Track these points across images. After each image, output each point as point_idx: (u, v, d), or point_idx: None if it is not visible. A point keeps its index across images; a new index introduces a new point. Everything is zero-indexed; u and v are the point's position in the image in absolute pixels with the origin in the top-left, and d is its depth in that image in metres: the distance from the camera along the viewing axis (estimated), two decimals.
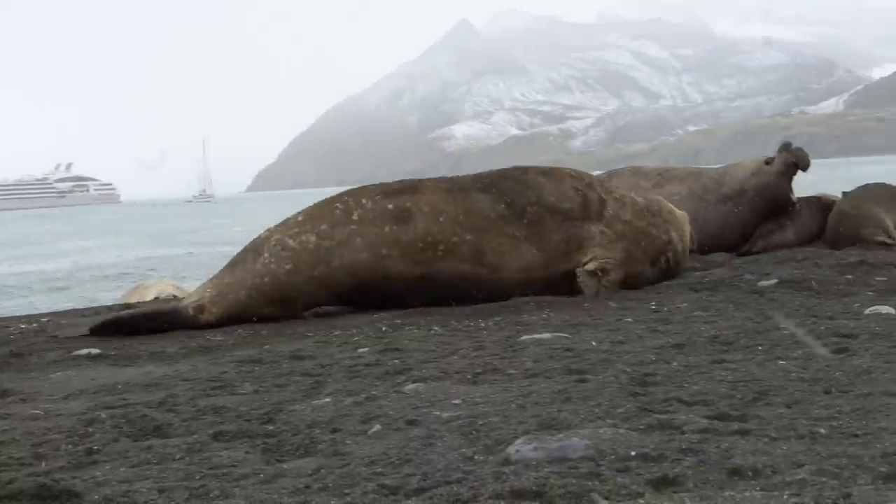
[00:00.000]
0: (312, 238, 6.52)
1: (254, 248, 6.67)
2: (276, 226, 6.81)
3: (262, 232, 6.82)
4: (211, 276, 6.85)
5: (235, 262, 6.71)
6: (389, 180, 7.20)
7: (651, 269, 7.12)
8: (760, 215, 9.60)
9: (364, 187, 6.92)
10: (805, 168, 9.49)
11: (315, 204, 6.87)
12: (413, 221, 6.54)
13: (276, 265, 6.47)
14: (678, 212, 7.72)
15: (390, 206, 6.59)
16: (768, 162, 9.60)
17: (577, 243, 6.80)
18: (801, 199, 10.47)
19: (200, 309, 6.42)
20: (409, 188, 6.79)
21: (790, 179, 9.50)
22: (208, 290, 6.55)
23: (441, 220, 6.56)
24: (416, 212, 6.58)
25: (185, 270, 30.40)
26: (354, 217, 6.56)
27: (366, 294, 6.57)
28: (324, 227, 6.56)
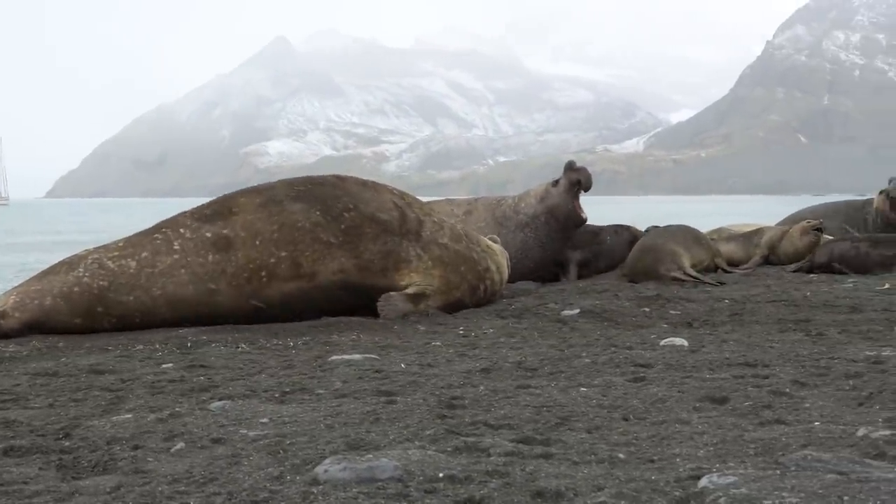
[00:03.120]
0: (133, 263, 6.30)
1: (69, 262, 6.42)
2: (96, 247, 6.60)
3: (80, 251, 6.58)
4: (17, 285, 6.55)
5: (46, 272, 6.45)
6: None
7: (471, 297, 7.18)
8: (556, 236, 9.88)
9: (179, 214, 6.71)
10: (587, 186, 9.77)
11: (135, 234, 6.67)
12: (233, 249, 6.39)
13: (89, 279, 6.23)
14: (496, 246, 7.88)
15: (209, 235, 6.43)
16: (554, 184, 9.89)
17: (394, 261, 6.77)
18: (611, 228, 10.96)
19: (2, 315, 6.10)
20: (224, 210, 6.62)
21: (575, 197, 9.77)
22: (12, 297, 6.24)
23: (258, 242, 6.43)
24: (235, 238, 6.43)
25: None
26: (176, 247, 6.37)
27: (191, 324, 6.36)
28: (145, 254, 6.34)
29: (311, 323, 6.32)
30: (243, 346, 5.50)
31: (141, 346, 5.55)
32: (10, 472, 2.81)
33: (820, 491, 2.32)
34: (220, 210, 6.63)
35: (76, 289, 6.20)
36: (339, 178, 7.13)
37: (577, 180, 9.70)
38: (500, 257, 7.77)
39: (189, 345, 5.58)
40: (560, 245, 10.00)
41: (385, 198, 7.01)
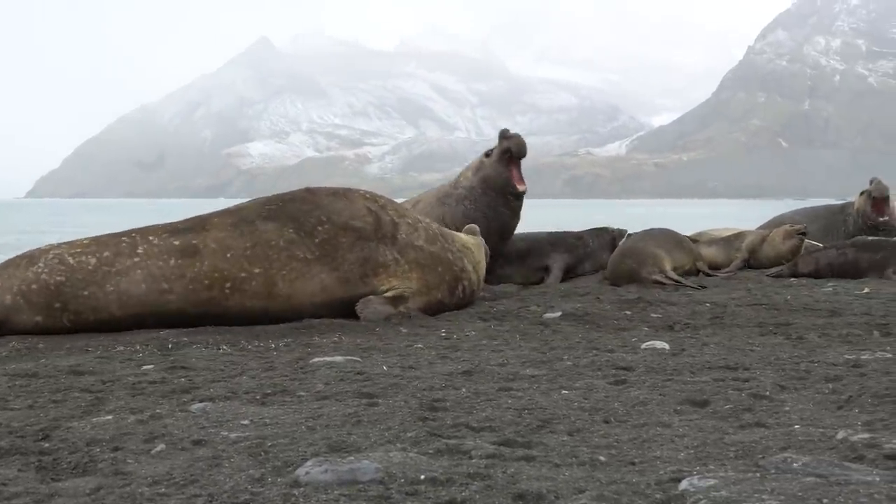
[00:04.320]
0: (93, 260, 6.34)
1: (29, 256, 6.45)
2: (60, 243, 6.63)
3: (44, 245, 6.59)
4: None
5: (6, 265, 6.45)
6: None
7: (450, 297, 7.18)
8: (499, 207, 9.61)
9: (153, 226, 6.75)
10: (518, 153, 9.53)
11: (103, 234, 6.70)
12: (199, 257, 6.41)
13: (47, 276, 6.25)
14: (472, 241, 7.86)
15: (176, 243, 6.46)
16: (487, 154, 9.77)
17: (373, 267, 6.77)
18: (592, 231, 11.03)
19: None
20: (196, 226, 6.65)
21: (508, 165, 9.53)
22: None
23: (228, 255, 6.44)
24: (203, 248, 6.45)
25: None
26: (139, 251, 6.40)
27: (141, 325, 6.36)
28: (107, 254, 6.38)
29: (293, 325, 6.30)
30: (224, 347, 5.49)
31: (121, 348, 5.53)
32: None
33: (799, 493, 2.34)
34: (192, 226, 6.66)
35: (34, 286, 6.23)
36: (310, 192, 7.12)
37: (507, 148, 9.51)
38: (476, 254, 7.75)
39: (170, 346, 5.56)
40: (506, 218, 9.71)
41: (358, 205, 7.00)
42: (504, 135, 9.73)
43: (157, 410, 3.64)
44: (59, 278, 6.24)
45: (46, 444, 3.16)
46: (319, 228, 6.69)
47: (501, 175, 9.55)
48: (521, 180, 9.61)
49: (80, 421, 3.49)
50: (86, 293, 6.24)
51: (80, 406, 3.81)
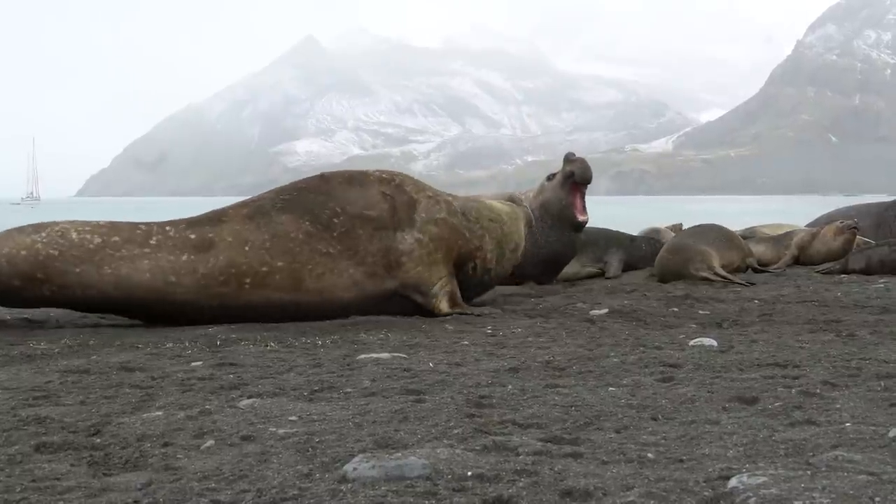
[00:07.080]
0: (97, 240, 6.30)
1: (37, 225, 6.46)
2: (75, 220, 6.56)
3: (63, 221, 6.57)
4: None
5: (15, 229, 6.45)
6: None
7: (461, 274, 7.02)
8: (552, 235, 9.24)
9: (173, 220, 6.69)
10: (582, 179, 9.07)
11: (123, 221, 6.68)
12: (215, 251, 6.35)
13: (42, 246, 6.23)
14: (507, 210, 7.62)
15: (192, 237, 6.40)
16: (550, 178, 9.32)
17: (396, 257, 6.68)
18: (644, 238, 11.02)
19: None
20: (213, 219, 6.61)
21: (571, 190, 9.09)
22: None
23: (247, 248, 6.39)
24: (219, 241, 6.39)
25: None
26: (152, 241, 6.35)
27: (146, 312, 6.41)
28: (116, 238, 6.34)
29: (340, 322, 6.34)
30: (272, 344, 5.53)
31: (171, 344, 5.58)
32: (42, 468, 2.84)
33: (851, 492, 2.30)
34: (211, 217, 6.64)
35: (23, 252, 6.21)
36: (324, 179, 7.01)
37: (570, 172, 9.04)
38: (508, 225, 7.48)
39: (218, 343, 5.61)
40: (558, 246, 9.34)
41: (372, 191, 6.86)
42: (568, 158, 9.27)
43: (206, 406, 3.67)
44: (52, 251, 6.21)
45: (98, 440, 3.20)
46: (335, 221, 6.60)
47: (561, 201, 9.14)
48: (583, 210, 9.19)
49: (131, 417, 3.53)
50: (77, 270, 6.20)
51: (130, 402, 3.86)
